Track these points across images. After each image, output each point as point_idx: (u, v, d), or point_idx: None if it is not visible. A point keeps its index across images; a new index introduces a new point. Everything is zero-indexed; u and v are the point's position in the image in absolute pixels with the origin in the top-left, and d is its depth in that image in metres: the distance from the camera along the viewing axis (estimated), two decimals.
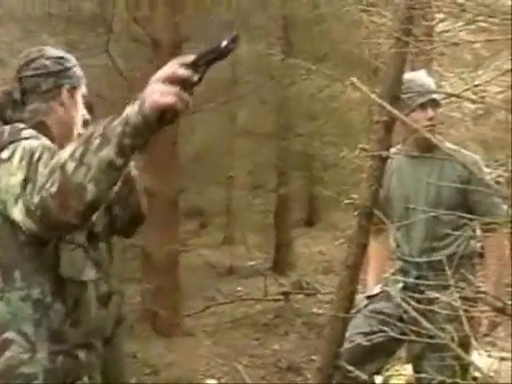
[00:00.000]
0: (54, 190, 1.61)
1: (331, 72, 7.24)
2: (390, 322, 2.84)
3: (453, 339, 1.93)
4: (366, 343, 3.03)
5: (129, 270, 8.10)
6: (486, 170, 3.24)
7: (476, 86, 5.00)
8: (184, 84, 1.51)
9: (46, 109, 2.05)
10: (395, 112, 2.22)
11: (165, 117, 1.53)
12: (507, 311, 1.86)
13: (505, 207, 2.97)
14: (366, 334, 3.09)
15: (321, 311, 6.88)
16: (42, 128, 2.02)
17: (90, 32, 7.24)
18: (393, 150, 3.29)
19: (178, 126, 7.56)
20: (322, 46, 8.29)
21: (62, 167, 1.60)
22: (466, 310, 2.12)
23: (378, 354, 3.10)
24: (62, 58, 2.10)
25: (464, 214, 2.69)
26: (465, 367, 2.56)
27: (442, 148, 2.84)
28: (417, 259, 3.17)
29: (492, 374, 1.96)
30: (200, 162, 9.03)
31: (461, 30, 4.37)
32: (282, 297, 8.33)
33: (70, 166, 1.59)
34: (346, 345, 3.10)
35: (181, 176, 7.76)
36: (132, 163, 3.10)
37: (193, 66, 1.50)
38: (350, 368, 2.87)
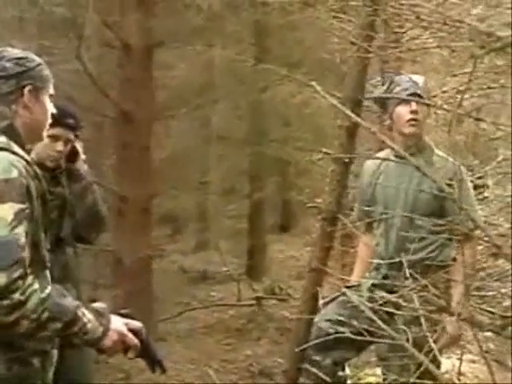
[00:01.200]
0: (9, 319, 1.79)
1: (304, 78, 7.28)
2: (358, 316, 2.85)
3: (408, 340, 1.95)
4: (331, 331, 3.03)
5: (101, 275, 8.07)
6: (467, 178, 3.28)
7: (444, 92, 5.07)
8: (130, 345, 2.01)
9: (10, 112, 2.01)
10: (355, 117, 2.26)
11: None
12: (449, 309, 1.89)
13: (479, 217, 3.01)
14: (332, 322, 3.10)
15: (293, 316, 6.88)
16: (11, 132, 1.99)
17: (61, 37, 7.21)
18: (382, 153, 3.33)
19: (152, 131, 7.56)
20: (294, 52, 8.33)
21: (23, 318, 1.81)
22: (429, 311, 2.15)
23: (342, 343, 3.07)
24: (23, 58, 2.05)
25: (435, 220, 2.70)
26: (427, 368, 2.58)
27: (429, 149, 2.88)
28: (389, 259, 3.19)
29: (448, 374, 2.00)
30: (173, 167, 9.02)
31: (427, 38, 4.43)
32: (254, 302, 8.33)
33: (30, 324, 1.82)
34: (313, 330, 3.13)
35: (154, 181, 7.74)
36: (86, 167, 3.12)
37: (141, 342, 2.01)
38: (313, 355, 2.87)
